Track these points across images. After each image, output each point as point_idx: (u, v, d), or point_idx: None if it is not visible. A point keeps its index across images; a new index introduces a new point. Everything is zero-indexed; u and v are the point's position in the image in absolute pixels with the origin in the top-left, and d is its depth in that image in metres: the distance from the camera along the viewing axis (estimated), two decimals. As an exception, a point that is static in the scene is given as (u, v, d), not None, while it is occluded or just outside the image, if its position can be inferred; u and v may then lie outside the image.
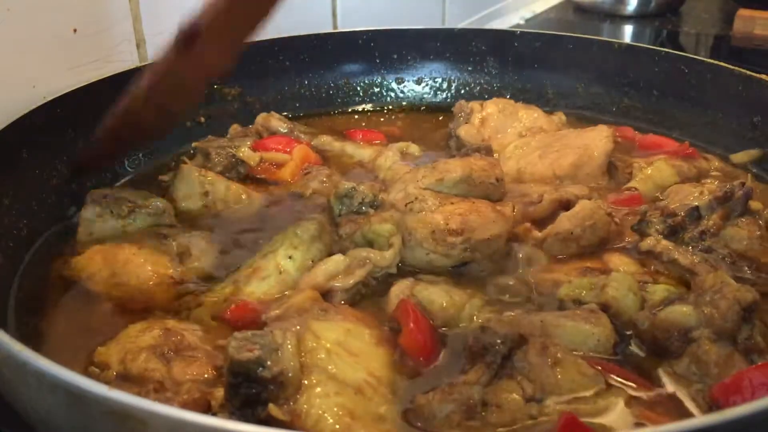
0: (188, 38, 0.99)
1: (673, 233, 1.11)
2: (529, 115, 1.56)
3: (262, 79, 1.68)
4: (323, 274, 1.03)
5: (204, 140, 1.45)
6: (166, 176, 1.36)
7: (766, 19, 2.43)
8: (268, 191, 1.36)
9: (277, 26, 1.75)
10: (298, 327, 0.86)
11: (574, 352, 0.88)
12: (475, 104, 1.59)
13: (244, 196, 1.31)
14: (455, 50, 1.83)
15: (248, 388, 0.76)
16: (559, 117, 1.62)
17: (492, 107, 1.57)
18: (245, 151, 1.42)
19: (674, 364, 0.89)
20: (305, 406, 0.77)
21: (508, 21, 2.82)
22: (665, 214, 1.13)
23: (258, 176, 1.41)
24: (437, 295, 0.99)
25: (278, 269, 1.05)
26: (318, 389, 0.79)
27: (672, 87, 1.62)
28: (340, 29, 1.98)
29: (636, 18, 2.89)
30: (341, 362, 0.83)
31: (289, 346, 0.79)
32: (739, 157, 1.46)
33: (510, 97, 1.73)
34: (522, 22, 2.86)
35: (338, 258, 1.06)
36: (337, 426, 0.76)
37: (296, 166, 1.42)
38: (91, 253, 1.11)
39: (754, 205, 1.14)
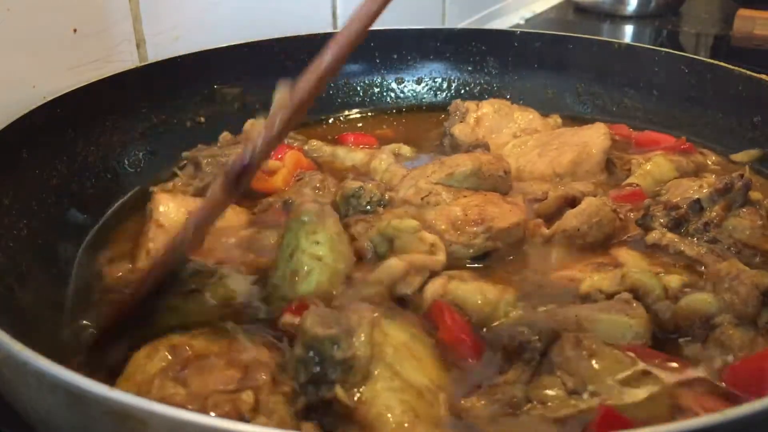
0: (240, 177, 0.89)
1: (677, 226, 1.13)
2: (525, 117, 1.56)
3: (262, 79, 1.67)
4: (388, 277, 1.01)
5: (194, 149, 1.41)
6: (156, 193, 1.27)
7: (766, 19, 2.43)
8: (257, 202, 1.29)
9: (277, 26, 1.76)
10: (375, 314, 0.84)
11: (611, 345, 0.88)
12: (471, 104, 1.59)
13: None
14: (455, 50, 1.83)
15: (317, 365, 0.74)
16: (555, 119, 1.63)
17: (488, 107, 1.58)
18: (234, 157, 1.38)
19: (699, 349, 0.90)
20: (370, 395, 0.75)
21: (508, 21, 2.82)
22: (668, 208, 1.15)
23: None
24: (471, 293, 0.98)
25: (315, 258, 1.00)
26: (385, 383, 0.77)
27: (672, 87, 1.62)
28: (340, 29, 1.98)
29: (636, 18, 2.89)
30: (406, 363, 0.82)
31: (364, 333, 0.77)
32: (739, 157, 1.46)
33: (510, 98, 1.73)
34: (522, 22, 2.87)
35: (396, 263, 1.02)
36: (403, 423, 0.74)
37: (288, 173, 1.38)
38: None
39: (754, 195, 1.16)
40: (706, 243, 1.10)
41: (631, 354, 0.86)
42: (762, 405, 0.63)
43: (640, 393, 0.81)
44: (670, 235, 1.11)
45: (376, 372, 0.77)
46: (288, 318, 0.90)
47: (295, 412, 0.75)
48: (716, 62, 1.54)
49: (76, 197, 1.25)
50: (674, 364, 0.88)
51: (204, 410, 0.75)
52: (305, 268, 1.00)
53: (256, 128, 1.52)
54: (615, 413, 0.77)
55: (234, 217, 1.21)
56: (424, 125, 1.72)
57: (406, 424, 0.74)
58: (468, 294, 0.98)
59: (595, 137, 1.40)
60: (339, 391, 0.73)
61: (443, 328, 0.92)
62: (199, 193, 1.31)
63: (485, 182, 1.19)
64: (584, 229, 1.12)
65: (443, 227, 1.10)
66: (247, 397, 0.75)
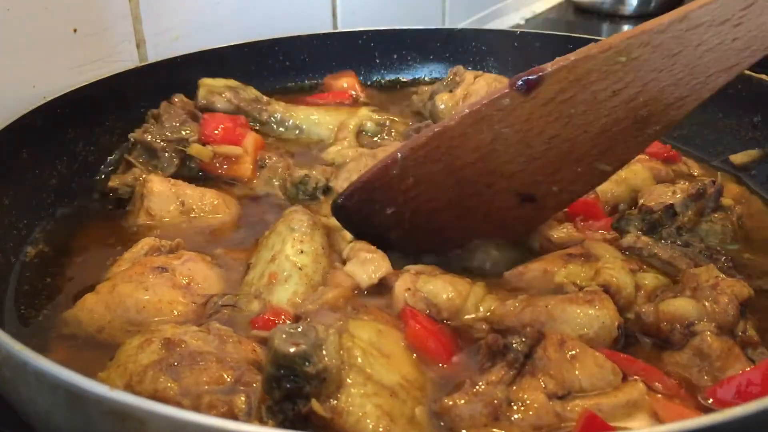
0: (532, 84, 0.91)
1: (652, 229, 1.15)
2: None
3: (262, 79, 1.68)
4: (347, 283, 1.02)
5: (140, 130, 1.35)
6: (116, 183, 1.27)
7: (766, 19, 2.43)
8: (232, 192, 1.31)
9: (277, 26, 1.76)
10: (341, 322, 0.85)
11: (581, 336, 0.89)
12: (469, 75, 1.59)
13: (216, 202, 1.23)
14: (455, 50, 1.83)
15: (290, 382, 0.74)
16: None
17: (481, 84, 1.57)
18: (195, 147, 1.34)
19: (677, 355, 0.91)
20: (346, 404, 0.76)
21: (508, 21, 2.82)
22: (643, 211, 1.17)
23: (215, 174, 1.35)
24: (441, 287, 0.99)
25: (296, 267, 1.02)
26: (358, 389, 0.77)
27: (672, 87, 1.61)
28: (340, 29, 1.98)
29: (636, 18, 2.88)
30: (376, 363, 0.82)
31: (333, 343, 0.77)
32: (739, 157, 1.46)
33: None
34: (522, 22, 2.86)
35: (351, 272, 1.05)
36: (379, 427, 0.75)
37: (252, 160, 1.36)
38: (89, 305, 0.97)
39: (726, 201, 1.19)
40: (679, 247, 1.11)
41: (610, 362, 0.86)
42: (762, 405, 0.63)
43: (621, 398, 0.82)
44: (644, 239, 1.11)
45: (348, 379, 0.78)
46: (256, 332, 0.90)
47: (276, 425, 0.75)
48: (716, 62, 1.54)
49: (76, 197, 1.26)
50: (654, 373, 0.88)
51: (198, 409, 0.76)
52: (285, 273, 1.01)
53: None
54: (598, 420, 0.77)
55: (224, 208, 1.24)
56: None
57: (380, 428, 0.75)
58: (438, 288, 0.99)
59: None
60: (315, 404, 0.74)
61: (411, 334, 0.92)
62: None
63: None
64: None
65: None
66: (240, 402, 0.76)
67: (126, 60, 1.48)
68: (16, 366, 0.70)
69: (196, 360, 0.81)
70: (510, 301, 0.96)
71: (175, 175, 1.31)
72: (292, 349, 0.73)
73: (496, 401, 0.80)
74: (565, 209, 1.15)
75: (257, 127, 1.51)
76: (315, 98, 1.68)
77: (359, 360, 0.80)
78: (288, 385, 0.74)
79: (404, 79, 1.85)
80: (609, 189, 1.27)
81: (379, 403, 0.77)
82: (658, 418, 0.81)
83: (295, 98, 1.66)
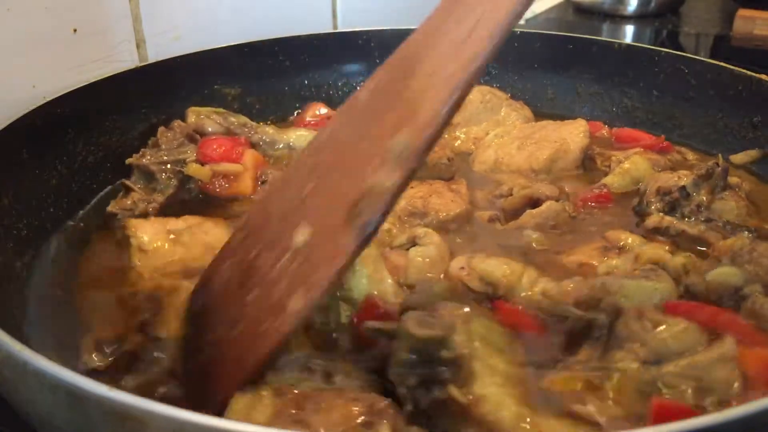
0: None
1: (672, 209, 1.19)
2: (510, 116, 1.58)
3: (262, 79, 1.68)
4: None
5: (138, 155, 1.32)
6: (115, 208, 1.24)
7: (766, 19, 2.43)
8: (228, 210, 1.28)
9: (277, 26, 1.76)
10: (466, 310, 0.83)
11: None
12: None
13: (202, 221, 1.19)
14: (455, 50, 1.82)
15: (424, 368, 0.72)
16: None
17: (475, 94, 1.58)
18: (193, 167, 1.31)
19: None
20: (480, 392, 0.74)
21: (508, 21, 2.82)
22: (662, 193, 1.20)
23: (214, 194, 1.31)
24: (495, 266, 1.01)
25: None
26: (489, 378, 0.76)
27: (672, 87, 1.62)
28: (340, 29, 1.98)
29: (636, 18, 2.88)
30: (494, 357, 0.81)
31: (463, 331, 0.76)
32: (739, 157, 1.46)
33: (510, 98, 1.73)
34: (522, 22, 2.86)
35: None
36: (518, 414, 0.74)
37: (252, 176, 1.34)
38: None
39: (732, 180, 1.23)
40: (704, 222, 1.15)
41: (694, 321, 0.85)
42: (762, 405, 0.63)
43: (714, 353, 0.81)
44: (668, 218, 1.16)
45: (477, 368, 0.76)
46: (372, 324, 0.83)
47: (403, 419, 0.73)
48: (716, 62, 1.54)
49: (76, 197, 1.26)
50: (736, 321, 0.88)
51: None
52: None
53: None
54: (668, 405, 0.76)
55: (222, 233, 1.17)
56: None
57: (525, 417, 0.74)
58: (493, 267, 1.01)
59: (575, 135, 1.43)
60: (453, 390, 0.72)
61: (509, 315, 0.92)
62: (164, 209, 1.26)
63: (430, 171, 1.27)
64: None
65: (390, 220, 1.15)
66: (384, 428, 0.70)
67: (126, 60, 1.48)
68: (16, 366, 0.70)
69: (316, 400, 0.74)
70: (565, 281, 0.98)
71: (174, 198, 1.28)
72: (428, 332, 0.72)
73: (591, 377, 0.80)
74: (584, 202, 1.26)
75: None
76: (300, 125, 1.64)
77: (478, 350, 0.79)
78: (422, 371, 0.72)
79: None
80: (613, 181, 1.32)
81: (510, 392, 0.76)
82: (744, 369, 0.80)
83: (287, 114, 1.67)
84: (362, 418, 0.71)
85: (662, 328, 0.83)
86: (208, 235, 1.17)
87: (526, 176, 1.38)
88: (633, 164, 1.35)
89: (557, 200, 1.23)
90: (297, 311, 0.75)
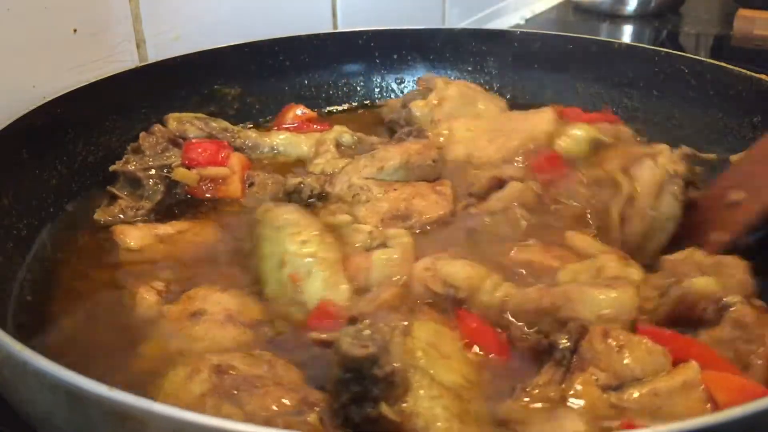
0: None
1: None
2: (488, 108, 1.57)
3: (262, 79, 1.68)
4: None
5: (121, 162, 1.30)
6: (102, 216, 1.24)
7: (766, 19, 2.43)
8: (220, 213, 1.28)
9: (277, 26, 1.76)
10: (405, 323, 0.83)
11: (599, 317, 0.88)
12: (440, 81, 1.59)
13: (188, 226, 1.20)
14: (455, 50, 1.83)
15: (357, 385, 0.72)
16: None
17: (454, 90, 1.58)
18: (180, 171, 1.30)
19: (716, 331, 0.89)
20: (414, 407, 0.74)
21: (508, 21, 2.82)
22: None
23: (202, 198, 1.31)
24: (459, 267, 1.00)
25: (309, 257, 0.99)
26: (425, 391, 0.76)
27: (672, 87, 1.62)
28: (340, 29, 1.98)
29: (636, 18, 2.89)
30: (438, 365, 0.81)
31: (399, 345, 0.75)
32: (738, 158, 1.46)
33: (510, 98, 1.73)
34: (522, 22, 2.86)
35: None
36: (449, 429, 0.74)
37: (240, 178, 1.33)
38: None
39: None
40: None
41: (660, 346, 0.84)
42: (762, 405, 0.63)
43: (677, 380, 0.80)
44: None
45: (414, 382, 0.76)
46: (316, 335, 0.88)
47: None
48: (716, 62, 1.54)
49: (76, 198, 1.26)
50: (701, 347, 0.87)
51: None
52: (303, 269, 0.99)
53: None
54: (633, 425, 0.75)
55: (213, 234, 1.20)
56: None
57: (451, 430, 0.74)
58: (456, 268, 1.00)
59: (541, 123, 1.43)
60: (384, 407, 0.72)
61: (469, 328, 0.92)
62: (150, 215, 1.25)
63: (414, 172, 1.27)
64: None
65: (373, 223, 1.16)
66: (313, 419, 0.74)
67: (126, 60, 1.47)
68: (16, 366, 0.70)
69: (254, 384, 0.78)
70: (529, 289, 0.96)
71: (162, 204, 1.28)
72: (360, 352, 0.72)
73: (550, 402, 0.79)
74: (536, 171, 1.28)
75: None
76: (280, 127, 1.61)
77: (422, 361, 0.79)
78: (356, 388, 0.72)
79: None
80: (565, 144, 1.37)
81: (446, 405, 0.76)
82: (711, 394, 0.79)
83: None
84: (294, 406, 0.75)
85: (627, 351, 0.82)
86: (198, 236, 1.19)
87: (499, 168, 1.36)
88: (581, 129, 1.39)
89: (521, 181, 1.23)
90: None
